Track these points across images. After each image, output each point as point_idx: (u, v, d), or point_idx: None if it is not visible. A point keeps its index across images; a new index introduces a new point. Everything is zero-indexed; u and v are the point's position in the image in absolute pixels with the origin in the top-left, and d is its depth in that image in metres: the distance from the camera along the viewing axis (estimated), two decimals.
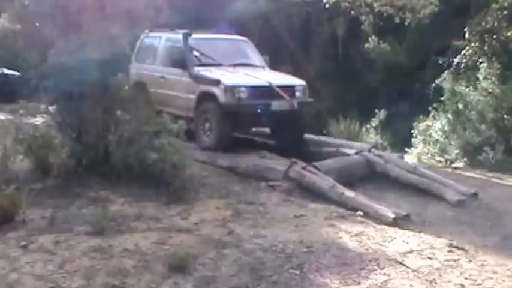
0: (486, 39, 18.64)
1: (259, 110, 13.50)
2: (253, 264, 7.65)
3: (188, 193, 10.32)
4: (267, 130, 15.36)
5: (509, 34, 18.66)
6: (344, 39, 32.77)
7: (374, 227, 9.54)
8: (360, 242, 8.74)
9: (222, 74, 13.89)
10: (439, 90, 19.43)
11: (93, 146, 10.64)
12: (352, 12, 25.24)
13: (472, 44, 19.23)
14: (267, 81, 13.75)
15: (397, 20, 23.61)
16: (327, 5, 25.04)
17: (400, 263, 8.02)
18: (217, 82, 13.49)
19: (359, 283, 7.45)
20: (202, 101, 13.88)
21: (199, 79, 14.08)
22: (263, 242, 8.40)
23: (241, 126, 14.52)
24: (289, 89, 13.97)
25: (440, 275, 7.79)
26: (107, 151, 10.53)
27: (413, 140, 19.97)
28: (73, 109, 10.83)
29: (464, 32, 19.58)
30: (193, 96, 14.13)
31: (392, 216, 10.02)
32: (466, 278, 7.78)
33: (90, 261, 7.47)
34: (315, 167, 11.75)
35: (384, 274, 7.68)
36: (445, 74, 20.20)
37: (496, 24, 18.73)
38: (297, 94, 14.14)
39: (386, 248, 8.56)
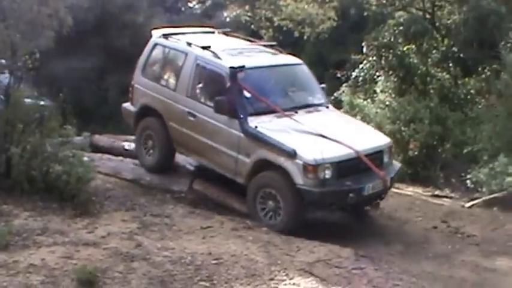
0: (383, 54, 19.02)
1: (350, 199, 10.14)
2: (163, 277, 7.55)
3: (93, 206, 10.12)
4: None
5: (405, 49, 19.12)
6: None
7: (280, 237, 9.58)
8: (268, 252, 8.75)
9: (292, 136, 10.34)
10: (338, 103, 19.70)
11: None
12: (253, 26, 25.47)
13: (370, 58, 19.59)
14: (353, 150, 10.25)
15: (296, 34, 24.04)
16: (227, 19, 25.22)
17: (309, 273, 8.07)
18: (291, 154, 9.94)
19: None
20: (262, 170, 10.44)
21: (259, 140, 10.36)
22: (171, 254, 8.29)
23: (317, 208, 10.84)
24: (378, 156, 10.69)
25: (349, 283, 7.89)
26: (9, 164, 10.17)
27: None
28: None
29: (362, 47, 19.94)
30: (246, 160, 10.56)
31: None
32: (373, 286, 7.94)
33: None
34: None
35: (294, 284, 7.72)
36: (343, 87, 20.48)
37: (392, 39, 19.16)
38: (385, 160, 10.88)
39: (294, 258, 8.60)
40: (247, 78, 10.88)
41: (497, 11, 17.60)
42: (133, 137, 14.64)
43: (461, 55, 18.57)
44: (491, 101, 16.73)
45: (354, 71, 20.62)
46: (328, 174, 9.89)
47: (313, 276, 7.98)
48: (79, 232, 8.91)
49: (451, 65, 19.12)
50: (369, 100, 19.08)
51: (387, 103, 18.32)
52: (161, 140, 12.00)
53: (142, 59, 12.51)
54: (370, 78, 19.74)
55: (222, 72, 10.98)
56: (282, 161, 10.05)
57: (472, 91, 18.43)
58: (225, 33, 13.28)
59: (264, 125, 10.51)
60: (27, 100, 11.19)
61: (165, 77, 12.18)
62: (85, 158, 10.76)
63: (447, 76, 19.16)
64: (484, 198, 13.18)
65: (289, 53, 12.64)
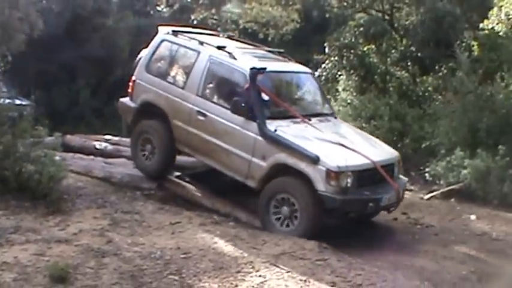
0: (344, 54, 19.12)
1: (370, 208, 9.92)
2: (133, 272, 7.52)
3: (65, 204, 10.01)
4: None
5: (365, 49, 19.23)
6: None
7: (247, 231, 9.59)
8: (235, 246, 8.76)
9: (313, 142, 9.88)
10: None
11: None
12: (219, 29, 25.46)
13: (332, 58, 19.69)
14: (371, 160, 9.87)
15: (261, 36, 24.03)
16: (194, 22, 25.18)
17: (274, 265, 8.09)
18: (314, 160, 9.43)
19: (236, 286, 7.47)
20: (278, 174, 9.88)
21: (279, 144, 9.80)
22: (141, 249, 8.27)
23: (333, 217, 10.25)
24: (390, 168, 10.29)
25: (313, 274, 7.91)
26: None
27: None
28: None
29: (324, 47, 20.02)
30: (261, 163, 9.97)
31: None
32: (337, 276, 7.97)
33: None
34: (189, 176, 11.68)
35: (260, 276, 7.75)
36: None
37: (353, 39, 19.27)
38: (395, 173, 10.53)
39: (260, 251, 8.62)
40: (263, 81, 10.37)
41: (453, 12, 17.78)
42: (104, 136, 14.65)
43: (419, 54, 18.67)
44: (448, 97, 16.83)
45: (316, 70, 20.60)
46: (349, 182, 9.41)
47: (278, 268, 8.00)
48: (51, 230, 8.84)
49: (409, 64, 19.23)
50: (331, 99, 19.13)
51: (349, 101, 18.42)
52: (163, 143, 11.28)
53: (147, 54, 11.71)
54: (332, 77, 19.82)
55: (240, 73, 10.45)
56: (303, 166, 9.50)
57: (429, 88, 18.56)
58: (229, 37, 12.81)
59: (283, 129, 9.98)
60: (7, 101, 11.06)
61: (172, 74, 11.45)
62: (57, 158, 10.64)
63: (406, 74, 19.30)
64: (441, 190, 13.32)
65: (298, 61, 12.13)
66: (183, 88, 11.03)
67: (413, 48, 18.97)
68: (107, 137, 14.90)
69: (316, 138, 10.05)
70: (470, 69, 15.88)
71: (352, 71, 19.04)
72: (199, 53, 11.02)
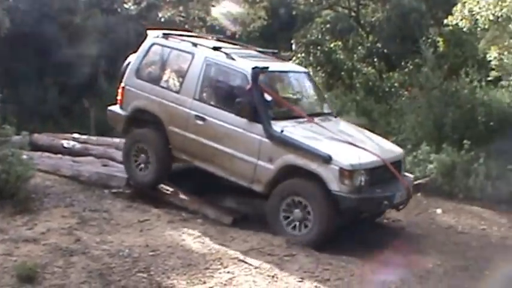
0: (311, 51, 19.25)
1: (384, 207, 9.70)
2: (102, 270, 7.50)
3: (33, 203, 9.92)
4: None
5: (332, 45, 19.32)
6: None
7: (215, 228, 9.59)
8: (203, 243, 8.78)
9: (322, 142, 9.53)
10: None
11: None
12: (186, 26, 25.41)
13: (299, 55, 19.78)
14: (381, 158, 9.60)
15: (228, 33, 24.01)
16: (162, 19, 25.08)
17: (243, 261, 8.12)
18: (327, 159, 9.08)
19: (205, 282, 7.49)
20: (289, 176, 9.48)
21: (287, 145, 9.41)
22: (110, 247, 8.24)
23: (346, 218, 9.82)
24: (397, 165, 10.00)
25: (281, 270, 7.97)
26: None
27: None
28: None
29: (291, 44, 20.09)
30: (268, 166, 9.55)
31: (231, 218, 10.13)
32: (304, 271, 8.03)
33: None
34: None
35: (228, 272, 7.78)
36: None
37: (320, 36, 19.38)
38: (402, 170, 10.31)
39: (228, 248, 8.63)
40: (263, 81, 9.94)
41: (418, 9, 17.96)
42: (72, 135, 14.53)
43: (385, 50, 18.85)
44: (414, 93, 16.98)
45: None
46: (363, 180, 9.09)
47: (246, 264, 8.03)
48: (19, 229, 8.77)
49: (375, 60, 19.41)
50: None
51: None
52: (158, 151, 10.73)
53: (136, 59, 11.12)
54: None
55: (240, 74, 10.00)
56: (314, 166, 9.14)
57: (395, 84, 18.72)
58: (218, 39, 12.15)
59: (289, 129, 9.59)
60: None
61: (166, 78, 10.86)
62: (24, 157, 10.52)
63: (372, 71, 19.48)
64: None
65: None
66: (178, 92, 10.52)
67: (379, 45, 19.14)
68: (75, 135, 14.77)
69: (325, 137, 9.74)
70: (436, 65, 16.03)
71: (319, 68, 19.16)
72: (193, 55, 10.52)
